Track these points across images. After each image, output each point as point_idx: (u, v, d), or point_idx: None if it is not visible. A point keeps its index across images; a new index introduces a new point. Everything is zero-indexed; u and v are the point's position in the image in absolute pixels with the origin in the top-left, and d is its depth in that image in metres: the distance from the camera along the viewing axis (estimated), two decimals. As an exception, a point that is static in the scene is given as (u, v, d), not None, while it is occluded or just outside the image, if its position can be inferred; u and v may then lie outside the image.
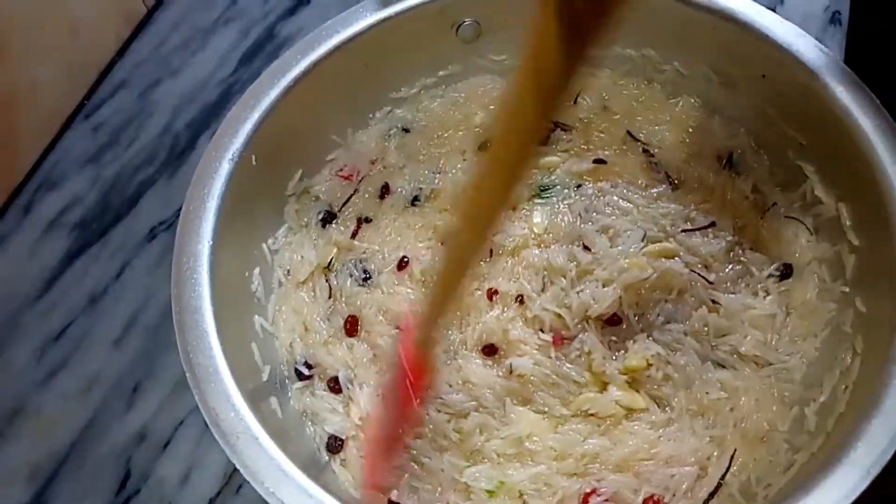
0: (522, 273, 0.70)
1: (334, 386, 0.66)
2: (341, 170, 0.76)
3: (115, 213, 0.81)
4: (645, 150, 0.76)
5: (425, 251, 0.72)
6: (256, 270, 0.68)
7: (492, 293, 0.69)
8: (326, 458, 0.63)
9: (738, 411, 0.64)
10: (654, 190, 0.74)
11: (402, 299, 0.70)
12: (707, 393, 0.64)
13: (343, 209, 0.75)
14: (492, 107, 0.79)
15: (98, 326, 0.74)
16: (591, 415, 0.64)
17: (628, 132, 0.77)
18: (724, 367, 0.66)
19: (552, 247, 0.71)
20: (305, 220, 0.74)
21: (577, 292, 0.67)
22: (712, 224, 0.71)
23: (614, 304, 0.67)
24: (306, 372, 0.67)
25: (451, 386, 0.65)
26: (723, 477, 0.61)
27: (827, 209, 0.67)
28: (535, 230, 0.72)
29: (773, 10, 0.70)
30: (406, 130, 0.79)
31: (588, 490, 0.60)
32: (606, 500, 0.60)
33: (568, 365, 0.65)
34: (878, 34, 1.00)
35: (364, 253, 0.73)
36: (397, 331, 0.67)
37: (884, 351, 0.55)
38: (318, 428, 0.65)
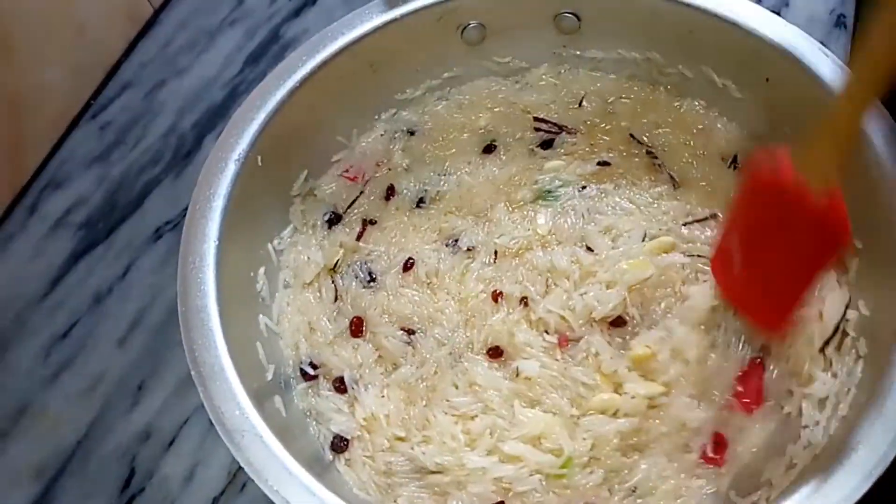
0: (526, 275, 0.70)
1: (339, 386, 0.66)
2: (347, 171, 0.77)
3: (120, 212, 0.81)
4: (649, 152, 0.76)
5: (430, 253, 0.72)
6: (261, 270, 0.69)
7: (496, 295, 0.69)
8: (330, 457, 0.63)
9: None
10: (657, 189, 0.74)
11: (408, 301, 0.70)
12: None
13: (349, 210, 0.75)
14: (496, 109, 0.79)
15: (103, 325, 0.74)
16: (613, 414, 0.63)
17: (631, 135, 0.77)
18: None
19: (555, 248, 0.71)
20: (311, 221, 0.74)
21: (581, 294, 0.68)
22: (714, 215, 0.71)
23: (619, 307, 0.67)
24: (311, 372, 0.67)
25: (457, 388, 0.65)
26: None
27: (830, 211, 0.67)
28: (539, 231, 0.72)
29: (778, 13, 0.70)
30: (411, 132, 0.79)
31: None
32: None
33: (575, 367, 0.65)
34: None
35: (369, 254, 0.73)
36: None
37: (886, 353, 0.55)
38: (323, 427, 0.65)
